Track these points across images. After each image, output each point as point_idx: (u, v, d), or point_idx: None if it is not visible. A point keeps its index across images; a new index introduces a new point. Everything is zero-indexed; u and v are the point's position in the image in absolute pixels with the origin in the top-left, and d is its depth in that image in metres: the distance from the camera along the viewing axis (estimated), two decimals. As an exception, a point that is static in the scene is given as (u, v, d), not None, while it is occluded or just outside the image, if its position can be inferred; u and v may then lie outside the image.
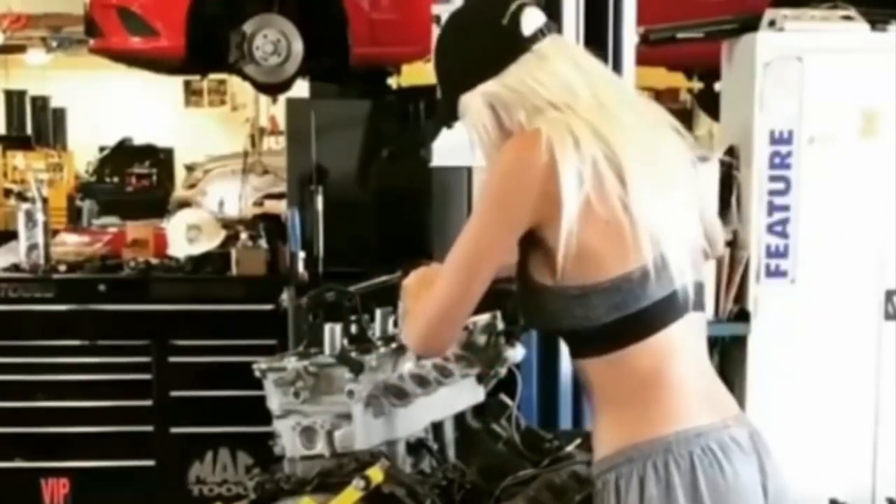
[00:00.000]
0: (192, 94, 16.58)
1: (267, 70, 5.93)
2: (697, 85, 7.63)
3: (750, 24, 4.30)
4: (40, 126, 14.72)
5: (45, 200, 5.45)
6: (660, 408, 1.92)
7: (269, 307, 4.89)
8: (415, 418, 2.30)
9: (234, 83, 14.85)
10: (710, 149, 4.67)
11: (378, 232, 5.37)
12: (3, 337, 5.09)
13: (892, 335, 4.26)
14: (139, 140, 14.09)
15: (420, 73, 6.00)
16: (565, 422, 3.86)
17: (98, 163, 13.61)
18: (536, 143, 1.86)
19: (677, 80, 8.04)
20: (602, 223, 1.87)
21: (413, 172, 5.15)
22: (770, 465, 1.98)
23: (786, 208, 4.21)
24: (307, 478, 2.22)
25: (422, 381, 2.22)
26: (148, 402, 5.15)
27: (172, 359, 5.14)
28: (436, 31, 3.75)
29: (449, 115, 2.05)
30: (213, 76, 12.67)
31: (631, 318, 1.90)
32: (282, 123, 8.60)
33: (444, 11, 4.45)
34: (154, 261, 5.40)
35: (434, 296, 1.95)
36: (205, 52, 6.02)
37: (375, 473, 2.13)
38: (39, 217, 5.33)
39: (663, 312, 1.92)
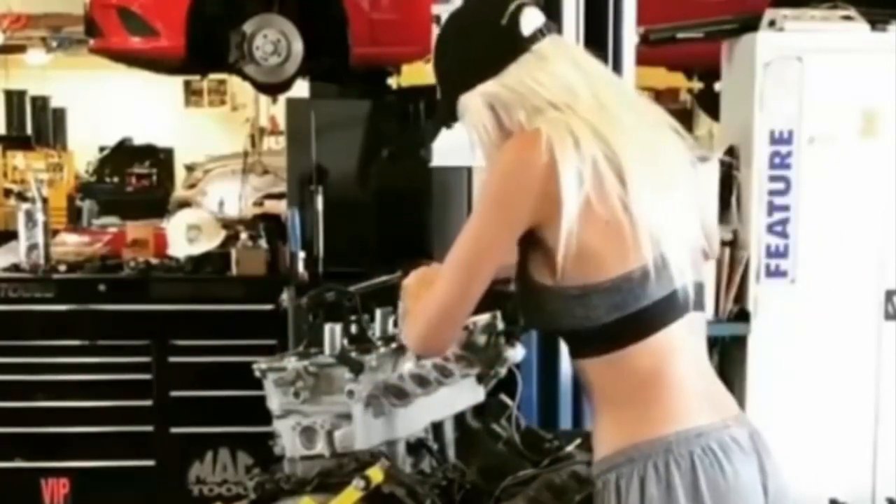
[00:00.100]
0: (192, 94, 16.59)
1: (267, 70, 5.93)
2: (697, 85, 7.63)
3: (750, 24, 4.30)
4: (40, 126, 14.72)
5: (45, 200, 5.45)
6: (660, 408, 1.92)
7: (269, 307, 4.89)
8: (415, 418, 2.30)
9: (234, 83, 14.85)
10: (710, 149, 4.66)
11: (378, 232, 5.37)
12: (3, 337, 5.09)
13: (892, 335, 4.25)
14: (139, 140, 14.09)
15: (420, 73, 6.00)
16: (565, 422, 3.86)
17: (98, 163, 13.61)
18: (536, 143, 1.87)
19: (677, 80, 8.04)
20: (602, 223, 1.87)
21: (413, 172, 5.14)
22: (770, 464, 1.98)
23: (786, 208, 4.21)
24: (307, 478, 2.22)
25: (422, 381, 2.22)
26: (148, 402, 5.15)
27: (172, 359, 5.14)
28: (436, 31, 3.74)
29: (449, 116, 2.05)
30: (213, 76, 12.67)
31: (631, 317, 1.90)
32: (282, 123, 8.60)
33: (444, 11, 4.44)
34: (154, 261, 5.40)
35: (434, 296, 1.95)
36: (205, 52, 6.02)
37: (375, 473, 2.13)
38: (39, 217, 5.32)
39: (663, 312, 1.92)
